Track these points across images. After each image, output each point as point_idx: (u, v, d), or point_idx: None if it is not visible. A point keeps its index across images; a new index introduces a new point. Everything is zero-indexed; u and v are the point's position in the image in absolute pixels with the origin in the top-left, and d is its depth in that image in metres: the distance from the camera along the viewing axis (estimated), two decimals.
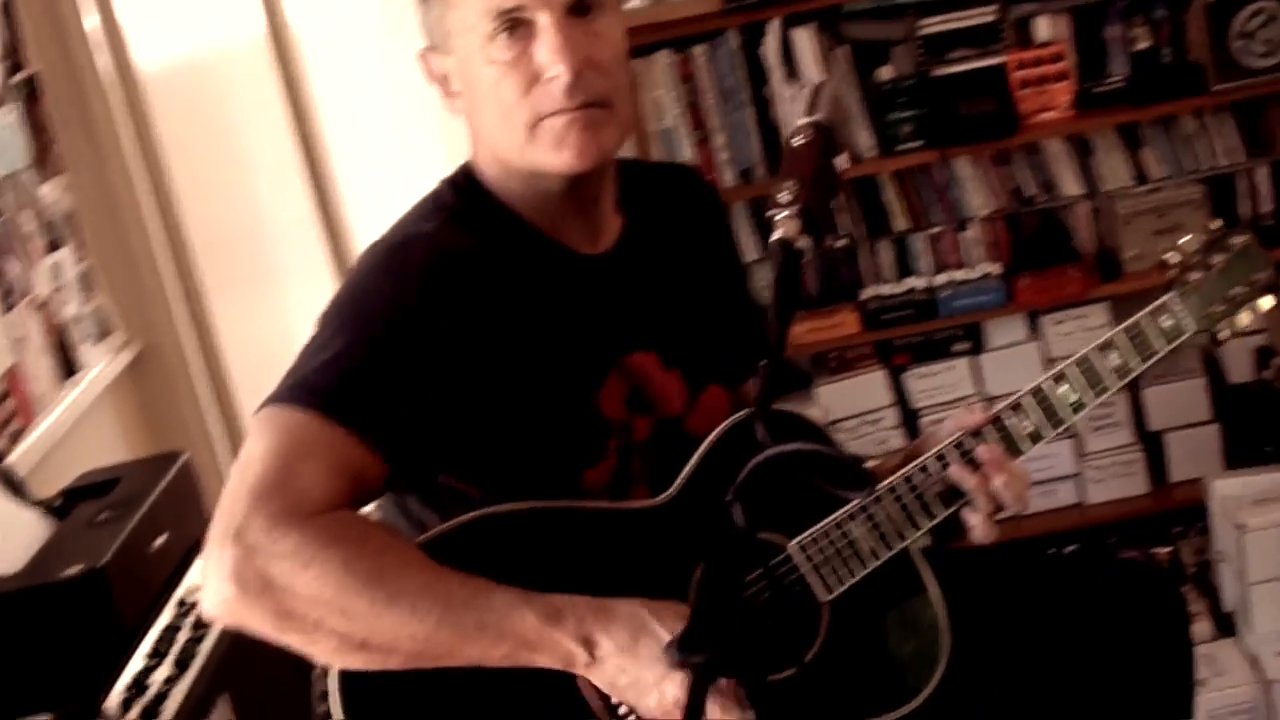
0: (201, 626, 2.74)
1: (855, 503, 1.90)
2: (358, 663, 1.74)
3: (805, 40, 3.51)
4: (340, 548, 1.70)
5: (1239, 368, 3.73)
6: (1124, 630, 2.14)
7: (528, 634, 1.72)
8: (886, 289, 3.67)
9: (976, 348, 3.80)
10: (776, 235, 1.66)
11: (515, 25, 1.82)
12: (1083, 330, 3.70)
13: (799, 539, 1.89)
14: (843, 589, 1.90)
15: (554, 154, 1.85)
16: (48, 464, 2.97)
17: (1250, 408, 3.74)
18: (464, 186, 1.97)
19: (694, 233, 2.12)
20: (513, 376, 1.86)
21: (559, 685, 1.79)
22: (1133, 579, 2.44)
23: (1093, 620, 2.15)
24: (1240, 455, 3.73)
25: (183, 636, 2.67)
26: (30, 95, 3.26)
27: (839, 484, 1.86)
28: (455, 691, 1.79)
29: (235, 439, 3.77)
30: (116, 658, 2.48)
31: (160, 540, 2.68)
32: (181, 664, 2.60)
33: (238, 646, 2.75)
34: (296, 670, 3.05)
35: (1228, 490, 3.41)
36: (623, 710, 1.80)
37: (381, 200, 5.36)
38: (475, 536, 1.81)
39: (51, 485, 2.82)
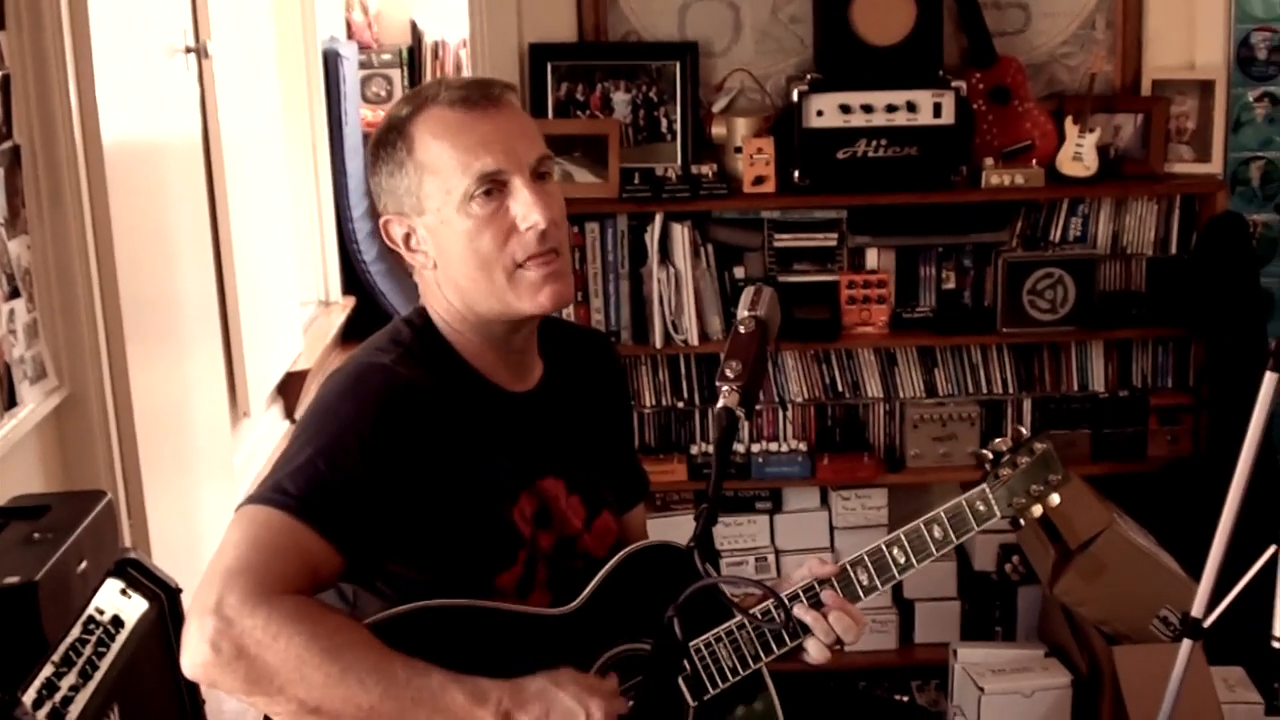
0: (103, 645, 2.82)
1: (724, 628, 2.00)
2: None
3: (680, 234, 3.60)
4: (304, 625, 1.75)
5: (984, 558, 3.86)
6: None
7: (457, 711, 1.79)
8: (711, 448, 3.59)
9: (776, 508, 3.87)
10: (721, 404, 1.81)
11: (493, 188, 1.93)
12: (864, 508, 3.82)
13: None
14: (707, 696, 1.99)
15: (532, 298, 1.96)
16: None
17: (988, 592, 3.88)
18: (420, 326, 2.05)
19: (600, 389, 2.24)
20: (447, 489, 1.93)
21: None
22: (912, 717, 2.68)
23: None
24: (973, 629, 3.88)
25: (88, 651, 2.72)
26: (13, 163, 3.31)
27: (717, 608, 1.99)
28: None
29: (132, 481, 3.85)
30: (34, 661, 2.51)
31: (82, 565, 2.73)
32: (84, 674, 2.63)
33: (128, 669, 2.82)
34: (174, 695, 3.17)
35: (970, 658, 3.52)
36: None
37: (260, 289, 5.53)
38: (411, 624, 1.87)
39: None
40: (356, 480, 1.86)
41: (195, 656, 1.77)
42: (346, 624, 1.83)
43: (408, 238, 2.02)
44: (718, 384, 1.84)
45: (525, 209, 1.94)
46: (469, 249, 1.95)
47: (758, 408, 3.80)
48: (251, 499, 1.86)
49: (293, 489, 1.84)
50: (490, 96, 1.99)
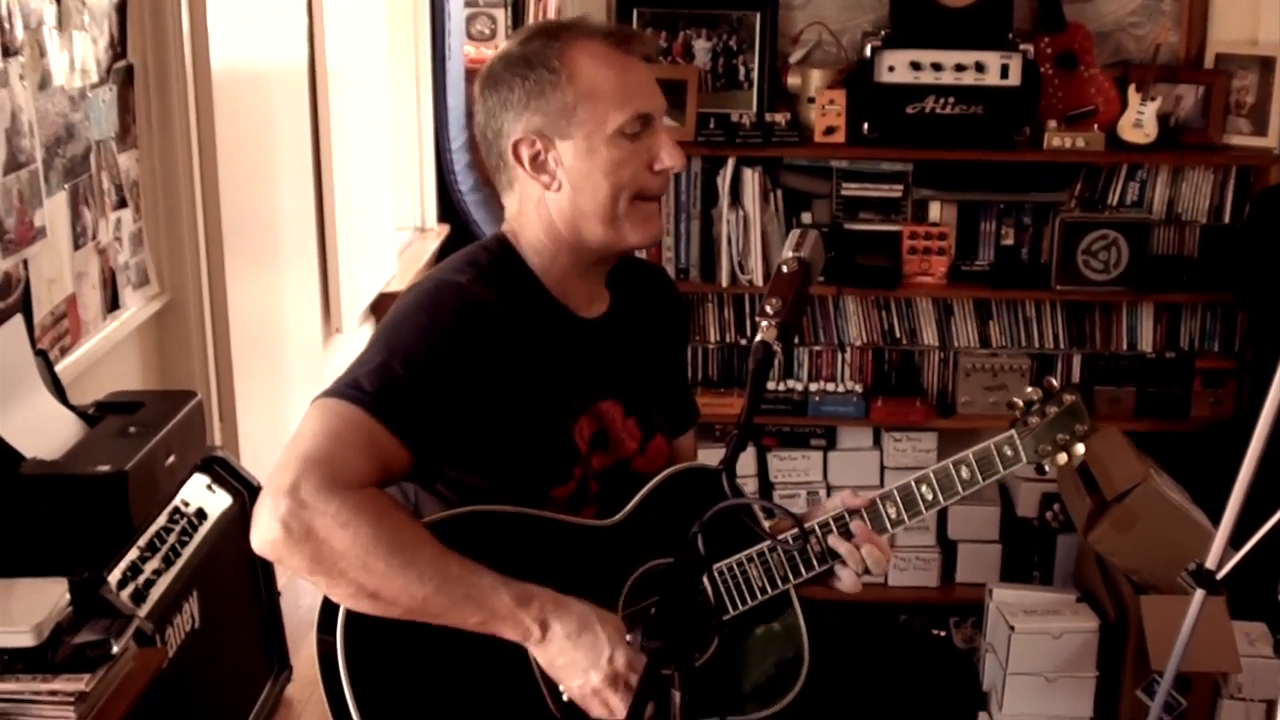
0: (186, 535, 2.91)
1: (756, 549, 2.02)
2: (365, 608, 1.86)
3: (751, 179, 3.62)
4: (372, 518, 1.81)
5: (1027, 505, 3.85)
6: (933, 685, 2.30)
7: (501, 610, 1.85)
8: (770, 385, 3.72)
9: (830, 445, 3.87)
10: (759, 338, 1.80)
11: (642, 128, 1.99)
12: (914, 450, 3.82)
13: (714, 566, 2.00)
14: (736, 612, 2.03)
15: (640, 232, 2.03)
16: (84, 378, 3.11)
17: (1028, 538, 3.88)
18: (497, 252, 2.06)
19: (661, 321, 2.26)
20: (512, 403, 1.97)
21: (514, 663, 1.91)
22: (944, 652, 2.67)
23: (910, 675, 2.30)
24: (1012, 572, 3.88)
25: (171, 539, 2.79)
26: (126, 81, 3.41)
27: (749, 532, 2.00)
28: (425, 643, 1.90)
29: (225, 386, 3.92)
30: (120, 545, 2.62)
31: (170, 459, 2.83)
32: (167, 560, 2.74)
33: (208, 559, 2.90)
34: (251, 587, 3.27)
35: (1005, 598, 3.50)
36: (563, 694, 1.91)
37: (358, 212, 5.59)
38: (464, 526, 1.92)
39: (84, 397, 2.96)
40: (427, 385, 1.91)
41: (266, 533, 1.82)
42: (410, 521, 1.89)
43: (536, 157, 2.01)
44: (757, 319, 1.85)
45: (668, 153, 2.02)
46: (608, 178, 1.99)
47: (818, 348, 3.83)
48: (328, 393, 1.91)
49: (368, 387, 1.88)
50: (640, 42, 2.06)
